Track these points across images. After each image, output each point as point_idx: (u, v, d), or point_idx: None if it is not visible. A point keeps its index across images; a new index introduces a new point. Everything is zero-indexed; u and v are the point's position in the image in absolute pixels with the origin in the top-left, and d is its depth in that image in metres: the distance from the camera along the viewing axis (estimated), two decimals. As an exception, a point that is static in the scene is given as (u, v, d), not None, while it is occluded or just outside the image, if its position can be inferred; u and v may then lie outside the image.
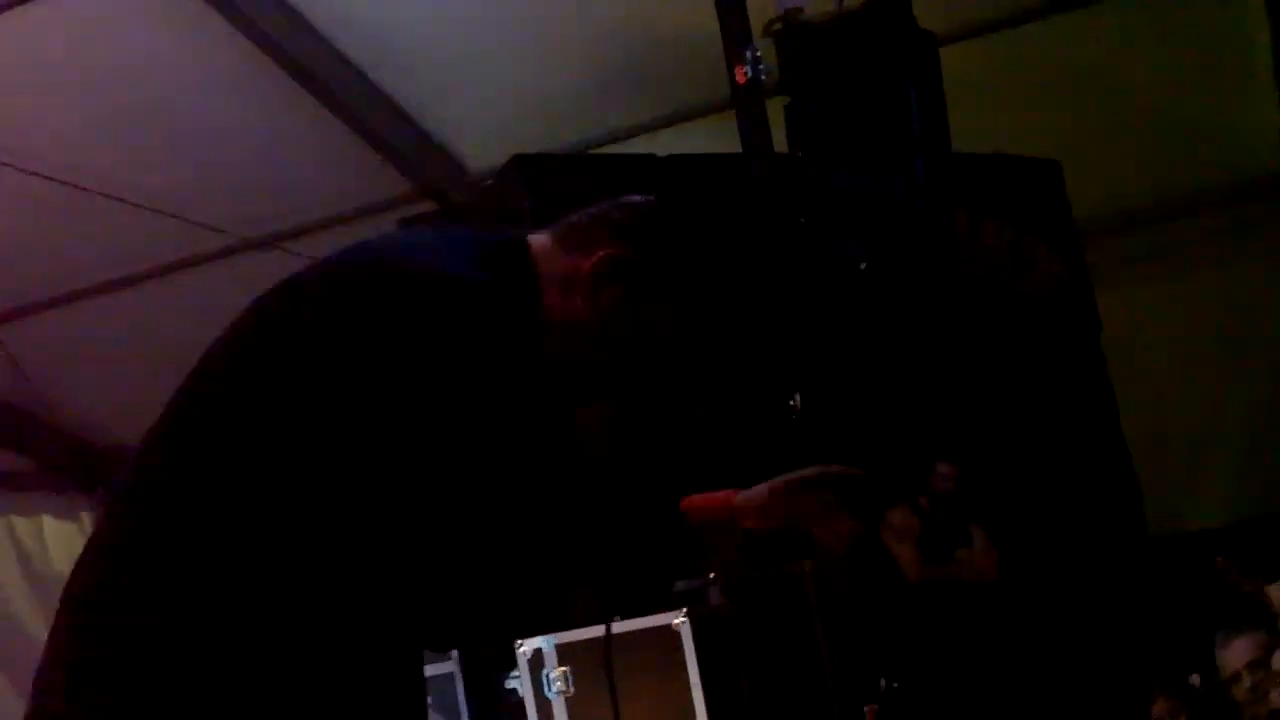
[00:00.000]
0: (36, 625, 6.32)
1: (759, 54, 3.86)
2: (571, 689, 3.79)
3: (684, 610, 3.68)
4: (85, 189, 5.23)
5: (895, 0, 4.47)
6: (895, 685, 3.67)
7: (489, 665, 4.30)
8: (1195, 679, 4.30)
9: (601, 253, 1.79)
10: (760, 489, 1.95)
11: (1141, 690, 4.14)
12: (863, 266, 4.15)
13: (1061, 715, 4.20)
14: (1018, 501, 4.35)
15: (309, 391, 1.47)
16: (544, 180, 4.34)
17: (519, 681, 3.92)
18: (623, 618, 3.77)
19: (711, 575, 3.87)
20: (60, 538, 6.65)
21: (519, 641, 3.79)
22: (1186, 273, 5.60)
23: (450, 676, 4.51)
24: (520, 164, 4.37)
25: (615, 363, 1.80)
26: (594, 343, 1.79)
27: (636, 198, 1.92)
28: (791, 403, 3.56)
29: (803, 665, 3.76)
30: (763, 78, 3.81)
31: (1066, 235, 4.85)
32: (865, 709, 3.74)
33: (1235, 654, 4.13)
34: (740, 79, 3.82)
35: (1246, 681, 4.09)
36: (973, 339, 4.41)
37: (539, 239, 1.79)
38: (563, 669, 3.80)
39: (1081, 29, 5.11)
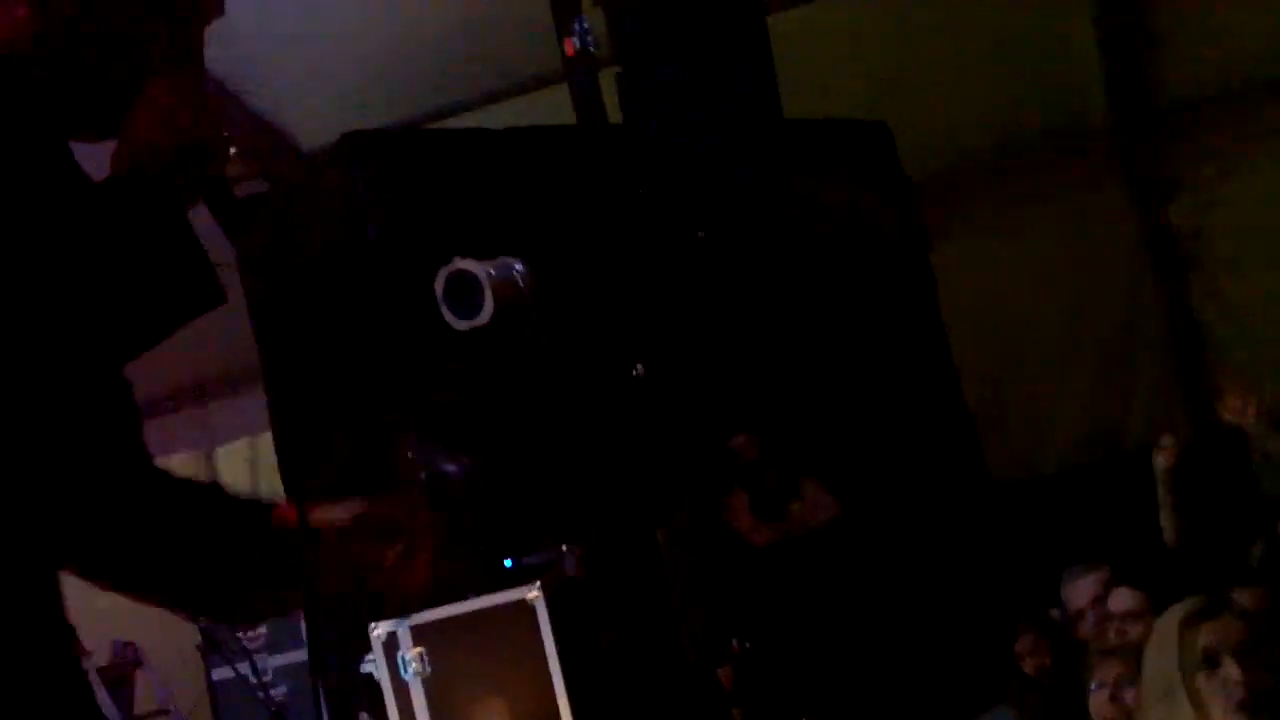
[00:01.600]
0: None
1: (588, 25, 3.85)
2: (428, 669, 3.78)
3: (538, 583, 3.68)
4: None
5: (721, -32, 4.51)
6: (748, 645, 3.73)
7: (344, 651, 4.27)
8: (1055, 613, 4.43)
9: None
10: (341, 508, 1.62)
11: (1004, 626, 4.26)
12: (700, 235, 4.19)
13: (923, 655, 4.30)
14: (860, 452, 4.44)
15: None
16: (376, 157, 4.29)
17: (374, 665, 3.89)
18: (476, 594, 3.78)
19: (565, 546, 3.89)
20: None
21: (373, 625, 3.77)
22: (1019, 224, 5.73)
23: (305, 665, 4.46)
24: (351, 141, 4.31)
25: (76, 34, 1.42)
26: (43, 36, 1.41)
27: None
28: (635, 372, 3.58)
29: (658, 632, 3.80)
30: (592, 49, 3.80)
31: (899, 193, 4.93)
32: (719, 671, 3.80)
33: (1079, 593, 4.27)
34: (570, 51, 3.81)
35: (1090, 619, 4.24)
36: (812, 298, 4.48)
37: None
38: (418, 650, 3.79)
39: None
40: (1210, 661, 2.33)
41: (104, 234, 1.40)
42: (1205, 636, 2.37)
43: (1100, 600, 4.20)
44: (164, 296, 1.43)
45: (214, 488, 1.71)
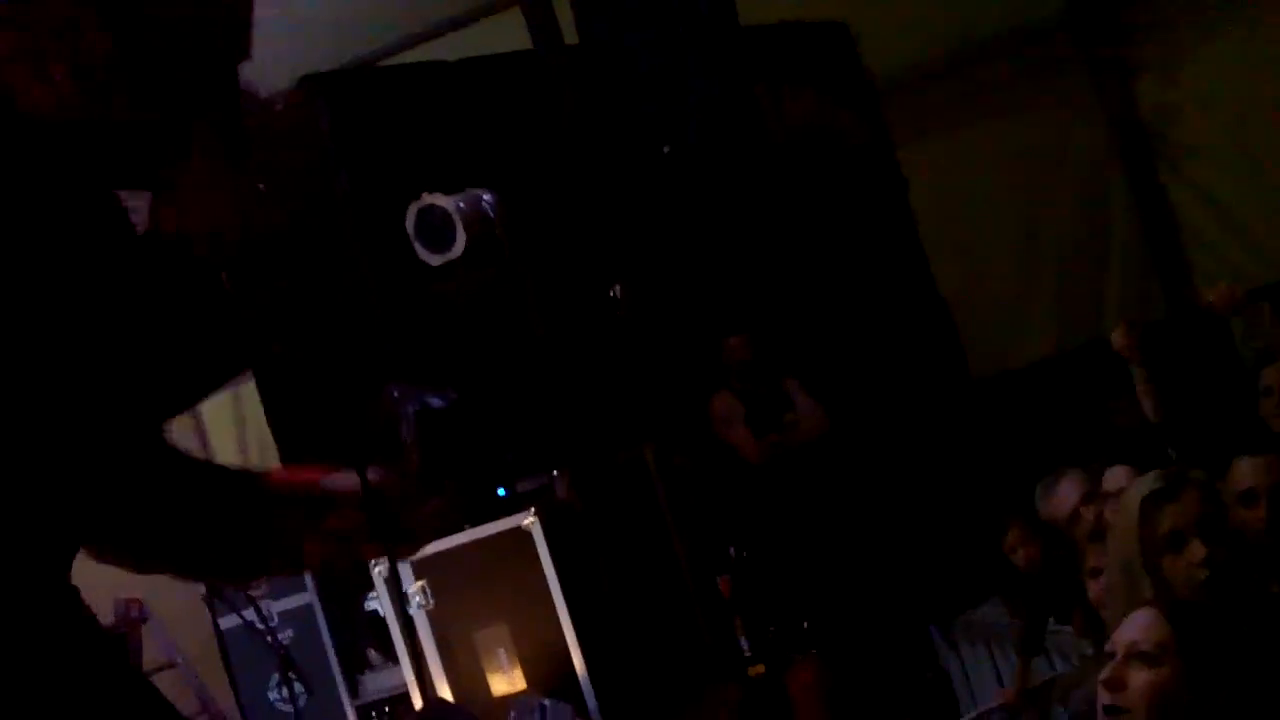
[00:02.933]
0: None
1: (536, -51, 3.83)
2: (431, 602, 3.82)
3: (532, 510, 3.72)
4: None
5: (666, -121, 4.48)
6: (745, 554, 3.78)
7: (347, 589, 4.31)
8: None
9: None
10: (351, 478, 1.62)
11: (992, 521, 4.29)
12: (666, 150, 4.19)
13: (914, 553, 4.35)
14: (842, 358, 4.47)
15: None
16: (338, 97, 4.27)
17: (378, 602, 3.93)
18: (472, 525, 3.81)
19: (555, 471, 3.92)
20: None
21: (373, 561, 3.81)
22: (983, 120, 5.71)
23: (309, 607, 4.51)
24: (311, 83, 4.28)
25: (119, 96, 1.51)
26: (87, 97, 1.51)
27: None
28: (611, 293, 3.60)
29: (654, 546, 3.84)
30: (544, -28, 3.79)
31: (863, 95, 4.93)
32: (719, 580, 3.85)
33: (1064, 498, 4.17)
34: (519, -25, 3.79)
35: (1089, 516, 4.15)
36: (782, 207, 4.49)
37: None
38: (420, 583, 3.83)
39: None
40: (1175, 542, 2.35)
41: (151, 287, 1.45)
42: (1169, 519, 2.39)
43: (1090, 496, 4.15)
44: (202, 357, 1.50)
45: (214, 466, 1.74)
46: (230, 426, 5.88)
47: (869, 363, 4.56)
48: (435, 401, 4.27)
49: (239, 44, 1.53)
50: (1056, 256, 5.89)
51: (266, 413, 4.68)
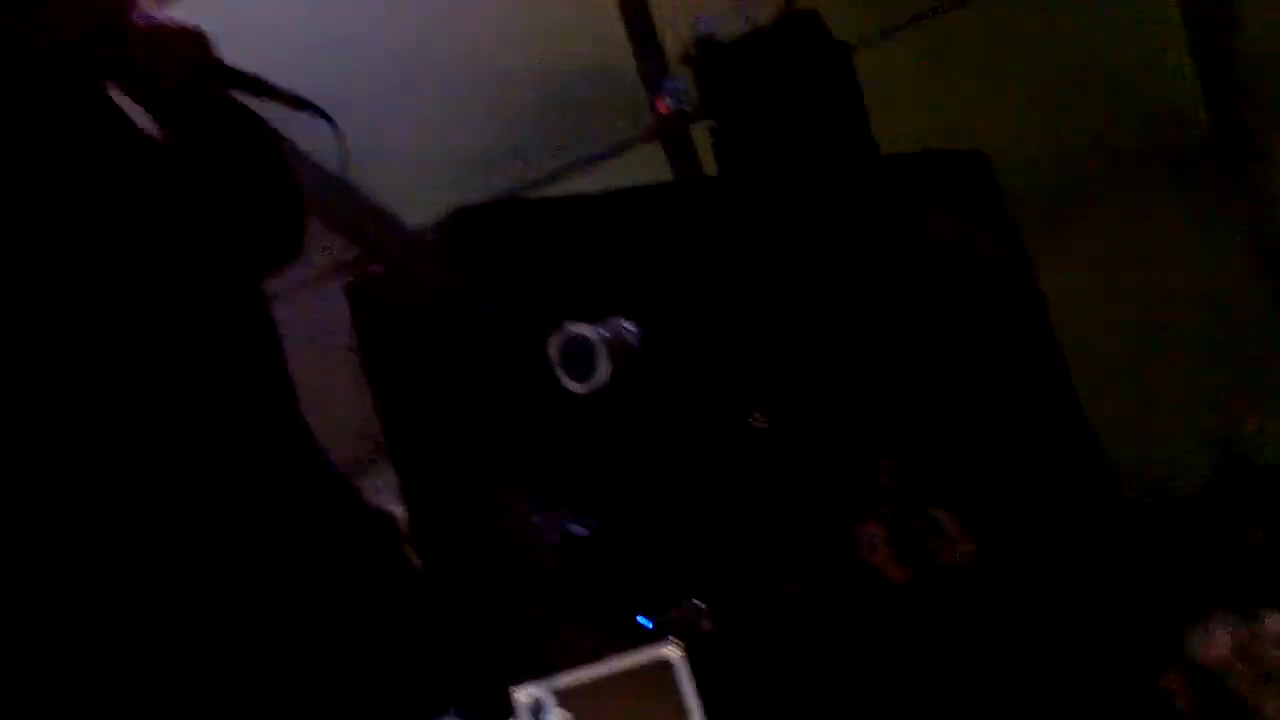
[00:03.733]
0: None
1: (680, 84, 3.92)
2: (573, 731, 3.80)
3: (674, 640, 3.69)
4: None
5: (805, 15, 4.56)
6: (886, 680, 3.72)
7: (488, 716, 4.31)
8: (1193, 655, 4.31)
9: None
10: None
11: (1149, 661, 4.18)
12: (806, 279, 4.22)
13: (1066, 693, 4.25)
14: (986, 485, 4.41)
15: None
16: (485, 230, 4.37)
17: (520, 731, 3.91)
18: (615, 654, 3.79)
19: (699, 602, 3.91)
20: None
21: (514, 689, 3.81)
22: (1124, 245, 5.67)
23: (452, 734, 4.52)
24: (460, 217, 4.40)
25: None
26: None
27: None
28: (753, 419, 3.61)
29: (800, 680, 3.79)
30: (685, 107, 3.87)
31: (1002, 221, 4.92)
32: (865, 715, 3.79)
33: (1218, 643, 4.03)
34: (663, 109, 3.87)
35: (1242, 668, 4.00)
36: (921, 333, 4.47)
37: None
38: (563, 713, 3.81)
39: (997, 13, 5.19)
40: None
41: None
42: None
43: (1243, 647, 4.01)
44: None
45: None
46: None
47: (1016, 489, 4.49)
48: (577, 529, 4.30)
49: None
50: (1209, 386, 5.79)
51: (411, 542, 4.75)
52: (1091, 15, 5.24)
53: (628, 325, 3.99)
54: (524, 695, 4.00)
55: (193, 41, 1.49)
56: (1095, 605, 4.38)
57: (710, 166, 4.38)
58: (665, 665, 3.91)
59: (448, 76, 4.97)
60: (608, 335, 3.91)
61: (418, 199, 5.29)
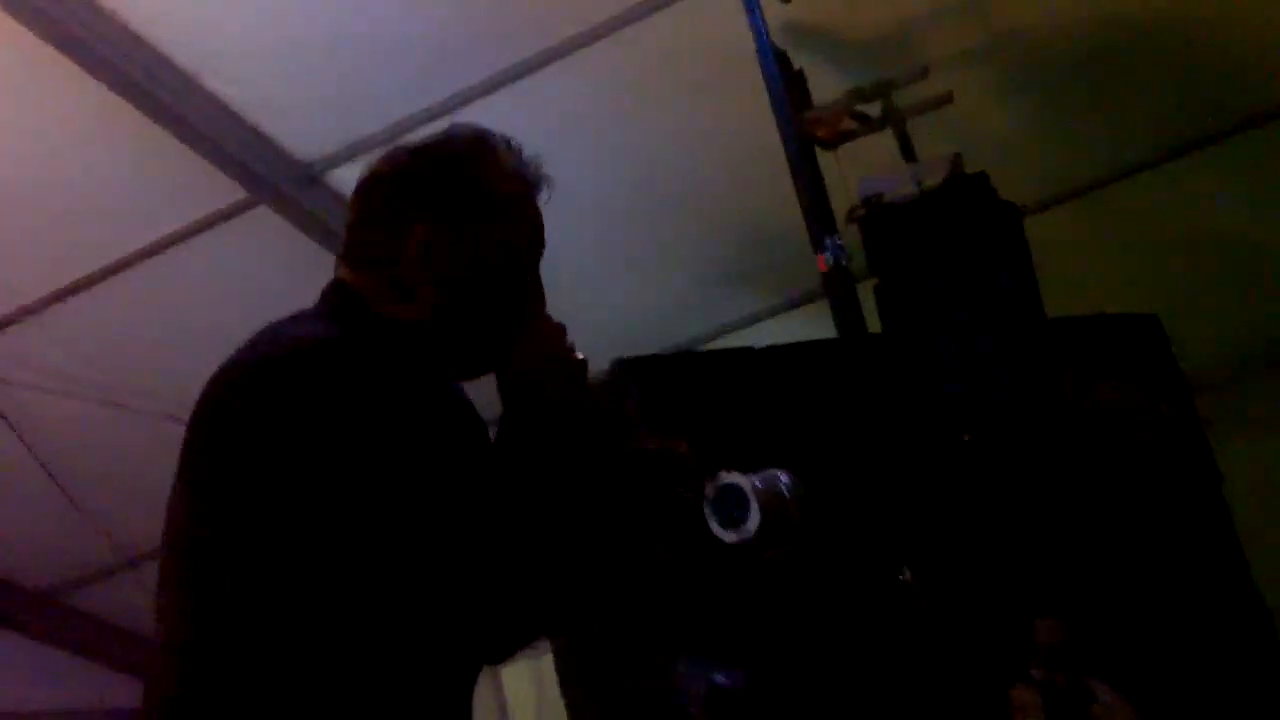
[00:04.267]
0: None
1: (840, 242, 3.98)
2: None
3: (815, 795, 3.66)
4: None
5: (974, 178, 4.59)
6: None
7: None
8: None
9: (410, 245, 1.77)
10: None
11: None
12: (966, 438, 4.19)
13: None
14: (1150, 656, 4.29)
15: (259, 477, 1.63)
16: (648, 381, 4.46)
17: None
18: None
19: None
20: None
21: (654, 839, 3.80)
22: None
23: None
24: (624, 367, 4.49)
25: (469, 303, 1.80)
26: (444, 309, 1.79)
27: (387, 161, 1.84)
28: (901, 575, 3.59)
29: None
30: (844, 264, 3.92)
31: (1176, 388, 4.83)
32: None
33: None
34: (822, 267, 3.94)
35: None
36: (1088, 497, 4.40)
37: (343, 272, 1.82)
38: None
39: (1169, 182, 5.16)
40: None
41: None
42: None
43: None
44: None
45: None
46: (531, 694, 6.01)
47: (1182, 665, 4.35)
48: (722, 680, 4.33)
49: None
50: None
51: (561, 689, 4.79)
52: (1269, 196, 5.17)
53: (783, 476, 4.01)
54: (666, 845, 3.98)
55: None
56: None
57: (875, 325, 4.41)
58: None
59: (621, 236, 5.13)
60: (760, 485, 3.94)
61: (586, 350, 5.43)
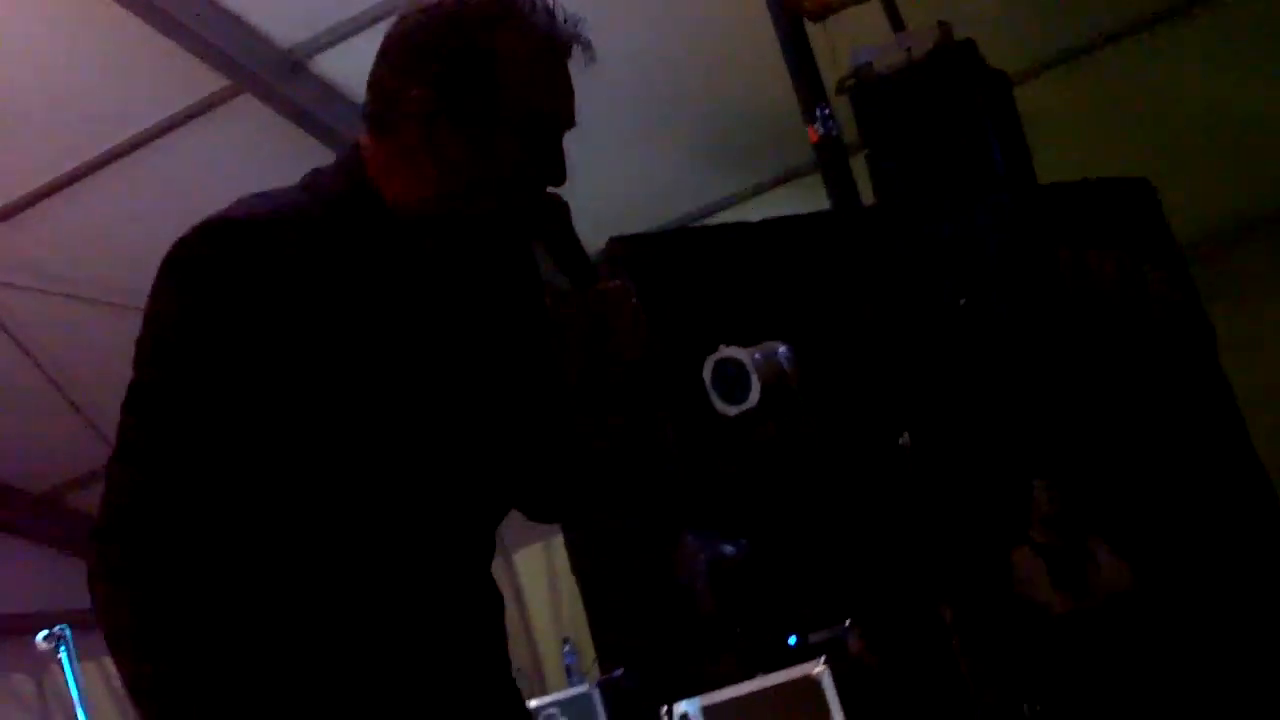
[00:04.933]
0: None
1: (829, 111, 3.96)
2: (724, 749, 3.84)
3: (823, 658, 3.72)
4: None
5: (963, 46, 4.57)
6: (1039, 709, 3.68)
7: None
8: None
9: (409, 113, 1.68)
10: None
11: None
12: (962, 303, 4.22)
13: (1218, 715, 4.16)
14: (1147, 513, 4.35)
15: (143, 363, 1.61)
16: (641, 259, 4.47)
17: (672, 749, 3.96)
18: (764, 671, 3.84)
19: (848, 622, 3.92)
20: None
21: (664, 707, 3.87)
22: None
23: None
24: (617, 246, 4.50)
25: (479, 197, 1.69)
26: (448, 196, 1.69)
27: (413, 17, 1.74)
28: (901, 440, 3.63)
29: (947, 702, 3.78)
30: (835, 134, 3.91)
31: (1168, 252, 4.85)
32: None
33: None
34: (814, 138, 3.92)
35: None
36: (1084, 361, 4.43)
37: (364, 138, 1.75)
38: (713, 730, 3.86)
39: (1159, 48, 5.14)
40: None
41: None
42: None
43: None
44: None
45: None
46: (542, 575, 6.08)
47: (1176, 519, 4.42)
48: (728, 550, 4.38)
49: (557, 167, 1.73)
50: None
51: (573, 567, 4.85)
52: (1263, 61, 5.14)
53: (781, 348, 4.04)
54: (675, 712, 4.07)
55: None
56: (1256, 636, 4.28)
57: (869, 196, 4.41)
58: (812, 684, 3.95)
59: (614, 112, 5.09)
60: (760, 358, 3.97)
61: (580, 228, 5.42)
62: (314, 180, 1.74)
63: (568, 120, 1.73)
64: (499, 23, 1.69)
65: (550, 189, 1.72)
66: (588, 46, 1.73)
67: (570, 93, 1.74)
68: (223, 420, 1.58)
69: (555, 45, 1.71)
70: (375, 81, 1.72)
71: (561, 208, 1.73)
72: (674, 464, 4.05)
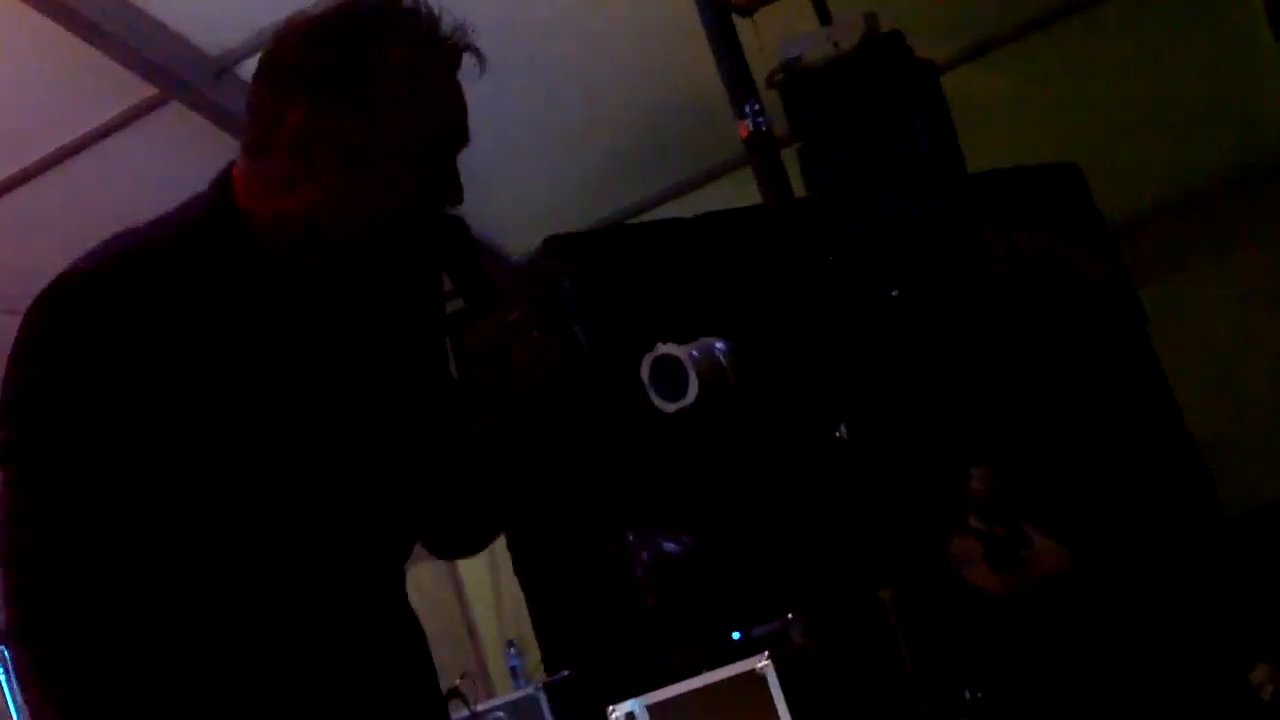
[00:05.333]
0: None
1: (758, 106, 3.97)
2: (671, 747, 3.85)
3: (766, 653, 3.74)
4: None
5: (890, 37, 4.59)
6: (980, 695, 3.72)
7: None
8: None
9: (285, 139, 1.55)
10: None
11: (1239, 659, 4.15)
12: (894, 293, 4.24)
13: (1157, 692, 4.21)
14: (1082, 495, 4.40)
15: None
16: (578, 256, 4.47)
17: (618, 748, 3.97)
18: (709, 668, 3.85)
19: (791, 615, 3.94)
20: None
21: (610, 707, 3.88)
22: (1221, 256, 5.61)
23: (553, 752, 4.60)
24: (553, 244, 4.50)
25: (363, 227, 1.56)
26: (329, 227, 1.56)
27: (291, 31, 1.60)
28: (838, 434, 3.64)
29: (891, 691, 3.81)
30: (764, 129, 3.92)
31: (1097, 235, 4.91)
32: (955, 724, 3.79)
33: None
34: (744, 134, 3.94)
35: None
36: (1016, 346, 4.48)
37: (240, 161, 1.63)
38: (658, 728, 3.87)
39: (1082, 33, 5.18)
40: None
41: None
42: None
43: None
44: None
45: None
46: (485, 577, 6.07)
47: (1112, 500, 4.47)
48: (670, 546, 4.38)
49: (449, 189, 1.63)
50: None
51: (515, 568, 4.85)
52: (1183, 42, 5.20)
53: (718, 344, 4.05)
54: (620, 712, 4.07)
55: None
56: (1192, 610, 4.34)
57: (801, 189, 4.43)
58: (757, 678, 3.96)
59: (543, 112, 5.09)
60: (697, 355, 3.98)
61: (524, 233, 5.42)
62: (183, 209, 1.64)
63: (460, 137, 1.62)
64: (380, 37, 1.57)
65: (449, 209, 1.62)
66: (478, 55, 1.61)
67: (462, 107, 1.62)
68: (97, 492, 1.50)
69: (442, 57, 1.59)
70: (251, 104, 1.61)
71: (459, 229, 1.63)
72: (616, 464, 4.06)
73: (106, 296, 1.52)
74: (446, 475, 1.72)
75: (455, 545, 1.83)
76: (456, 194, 1.63)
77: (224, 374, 1.53)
